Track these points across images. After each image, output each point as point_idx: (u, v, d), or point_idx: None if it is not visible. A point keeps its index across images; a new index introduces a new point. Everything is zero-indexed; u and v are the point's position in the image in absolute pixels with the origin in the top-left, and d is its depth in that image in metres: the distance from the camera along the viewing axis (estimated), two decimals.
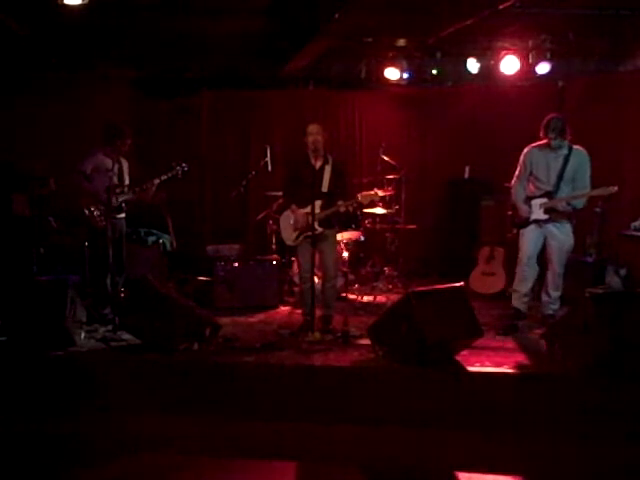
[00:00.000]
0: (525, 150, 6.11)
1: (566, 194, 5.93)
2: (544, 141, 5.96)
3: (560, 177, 5.91)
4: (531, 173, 6.08)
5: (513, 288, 6.30)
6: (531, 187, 6.10)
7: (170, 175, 6.54)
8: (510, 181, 6.28)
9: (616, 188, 5.74)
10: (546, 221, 5.95)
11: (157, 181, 6.48)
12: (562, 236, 5.97)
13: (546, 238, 6.01)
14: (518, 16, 6.74)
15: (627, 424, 4.52)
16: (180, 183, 7.14)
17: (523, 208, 6.06)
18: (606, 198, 7.26)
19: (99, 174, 6.37)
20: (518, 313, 6.19)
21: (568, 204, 5.91)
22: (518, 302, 6.18)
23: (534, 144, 6.07)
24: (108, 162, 6.43)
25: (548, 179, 5.97)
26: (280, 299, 7.46)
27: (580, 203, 5.94)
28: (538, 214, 5.98)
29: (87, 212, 6.33)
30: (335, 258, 6.38)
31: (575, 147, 5.94)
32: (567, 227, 6.00)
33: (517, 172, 6.17)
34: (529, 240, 6.03)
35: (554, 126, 5.83)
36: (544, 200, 5.96)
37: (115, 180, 6.45)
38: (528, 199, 6.07)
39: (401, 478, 4.17)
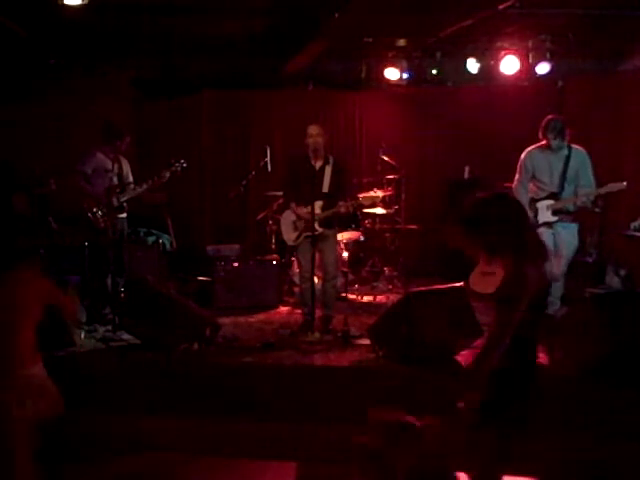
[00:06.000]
0: (525, 152, 6.09)
1: (570, 193, 5.92)
2: (543, 142, 5.95)
3: (563, 177, 5.89)
4: (533, 176, 6.05)
5: None
6: (533, 189, 6.09)
7: (170, 172, 6.53)
8: (510, 181, 6.26)
9: (625, 184, 5.73)
10: (555, 222, 5.92)
11: (167, 174, 6.47)
12: (569, 237, 5.94)
13: (552, 239, 5.98)
14: (518, 16, 6.74)
15: (627, 424, 4.52)
16: (180, 183, 7.15)
17: (529, 211, 6.04)
18: (606, 198, 7.28)
19: (99, 175, 6.37)
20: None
21: (577, 203, 5.90)
22: None
23: (533, 146, 6.06)
24: (107, 162, 6.43)
25: (551, 180, 5.95)
26: (280, 299, 7.46)
27: (589, 201, 5.93)
28: (546, 216, 5.93)
29: (89, 213, 6.34)
30: (335, 258, 6.38)
31: (574, 147, 5.93)
32: (573, 228, 5.99)
33: (518, 175, 6.13)
34: None
35: (554, 127, 5.82)
36: (550, 202, 5.92)
37: (115, 180, 6.46)
38: (533, 201, 6.04)
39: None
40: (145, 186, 6.50)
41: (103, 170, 6.37)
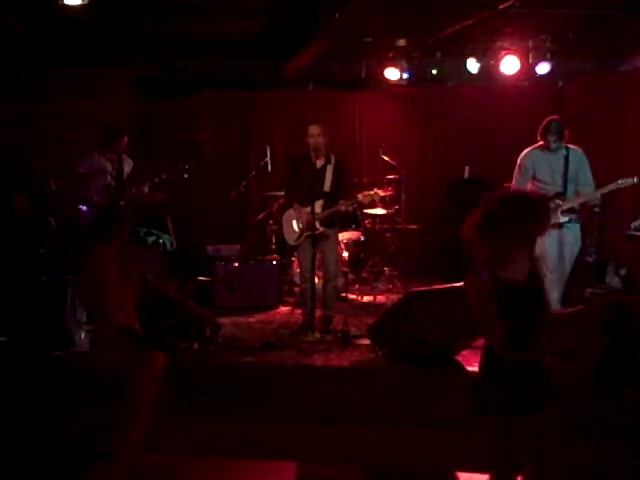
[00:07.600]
0: (523, 153, 6.05)
1: (572, 193, 5.90)
2: (541, 143, 5.92)
3: (565, 178, 5.87)
4: (533, 176, 6.03)
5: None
6: (532, 190, 6.06)
7: (168, 176, 6.53)
8: (510, 181, 6.25)
9: (636, 179, 5.70)
10: (566, 223, 5.87)
11: (149, 183, 6.49)
12: (573, 239, 5.90)
13: (558, 240, 5.95)
14: (518, 16, 6.75)
15: (628, 424, 4.52)
16: (180, 183, 7.15)
17: None
18: (607, 197, 7.28)
19: (95, 175, 6.37)
20: None
21: (585, 202, 5.90)
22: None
23: (531, 147, 6.03)
24: (105, 163, 6.42)
25: (553, 181, 5.91)
26: (280, 299, 7.46)
27: (595, 199, 5.92)
28: (556, 217, 5.88)
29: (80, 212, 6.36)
30: (336, 258, 6.38)
31: (571, 146, 5.92)
32: (578, 228, 5.96)
33: (518, 177, 6.02)
34: (550, 245, 5.88)
35: (554, 129, 5.79)
36: (558, 202, 5.89)
37: (112, 181, 6.45)
38: None
39: (401, 478, 4.16)
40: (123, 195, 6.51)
41: (100, 171, 6.37)
